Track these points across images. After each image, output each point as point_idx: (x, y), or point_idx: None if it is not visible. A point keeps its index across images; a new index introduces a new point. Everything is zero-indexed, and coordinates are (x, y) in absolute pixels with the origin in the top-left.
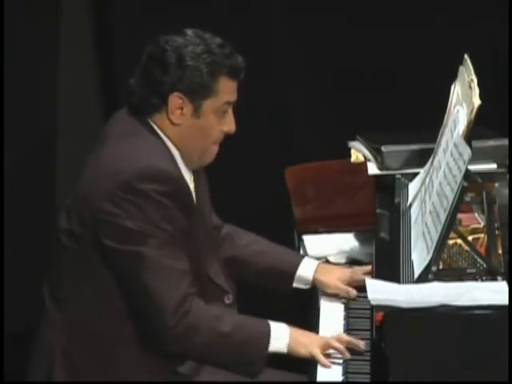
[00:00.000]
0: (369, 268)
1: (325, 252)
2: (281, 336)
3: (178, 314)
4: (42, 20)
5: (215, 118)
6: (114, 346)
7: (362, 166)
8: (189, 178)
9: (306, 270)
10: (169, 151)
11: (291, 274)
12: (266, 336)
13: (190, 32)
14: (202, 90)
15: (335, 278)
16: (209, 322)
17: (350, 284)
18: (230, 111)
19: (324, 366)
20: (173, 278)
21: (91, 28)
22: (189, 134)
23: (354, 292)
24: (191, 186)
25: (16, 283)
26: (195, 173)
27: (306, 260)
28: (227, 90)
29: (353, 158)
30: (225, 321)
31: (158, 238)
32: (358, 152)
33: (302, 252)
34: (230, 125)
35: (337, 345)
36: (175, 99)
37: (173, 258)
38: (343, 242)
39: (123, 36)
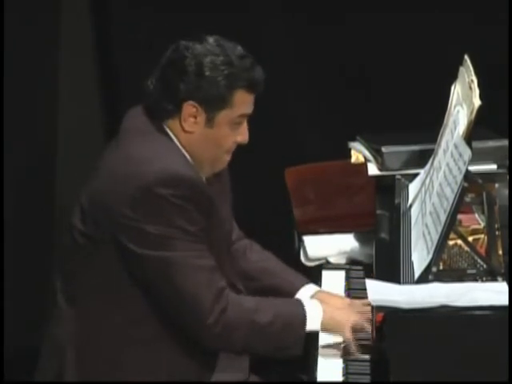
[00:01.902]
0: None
1: (325, 253)
2: (314, 314)
3: (215, 311)
4: (41, 20)
5: (229, 129)
6: (126, 346)
7: (362, 166)
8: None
9: (304, 296)
10: (183, 154)
11: (290, 296)
12: (302, 316)
13: (211, 40)
14: (218, 101)
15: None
16: (248, 315)
17: None
18: (245, 122)
19: (354, 353)
20: (204, 277)
21: (91, 28)
22: (201, 142)
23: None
24: None
25: (16, 284)
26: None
27: (307, 286)
28: (244, 102)
29: (353, 159)
30: (263, 311)
31: (183, 239)
32: (359, 153)
33: (302, 253)
34: (243, 136)
35: (367, 326)
36: (189, 107)
37: (200, 257)
38: (343, 243)
39: (123, 36)
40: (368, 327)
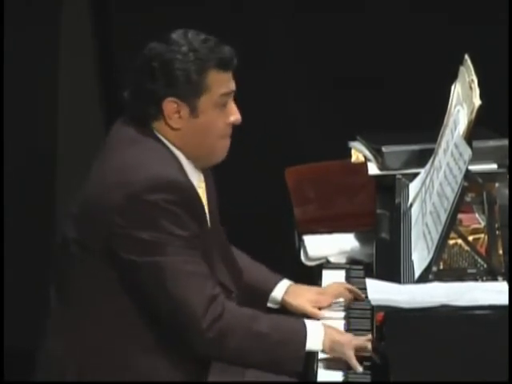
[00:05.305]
0: (335, 289)
1: (325, 252)
2: (316, 334)
3: (209, 317)
4: (41, 20)
5: (215, 113)
6: (126, 356)
7: (363, 166)
8: (198, 179)
9: (279, 291)
10: (175, 157)
11: (267, 293)
12: (302, 334)
13: (173, 35)
14: (193, 89)
15: (304, 300)
16: (244, 322)
17: (318, 304)
18: (231, 101)
19: (355, 368)
20: (196, 282)
21: (91, 28)
22: (191, 135)
23: (322, 314)
24: (202, 186)
25: (16, 284)
26: (205, 173)
27: (282, 282)
28: (219, 82)
29: (353, 159)
30: (260, 321)
31: (175, 245)
32: (359, 152)
33: (302, 252)
34: (233, 115)
35: (369, 346)
36: (169, 104)
37: (192, 263)
38: (344, 243)
39: (123, 36)
40: (369, 347)
